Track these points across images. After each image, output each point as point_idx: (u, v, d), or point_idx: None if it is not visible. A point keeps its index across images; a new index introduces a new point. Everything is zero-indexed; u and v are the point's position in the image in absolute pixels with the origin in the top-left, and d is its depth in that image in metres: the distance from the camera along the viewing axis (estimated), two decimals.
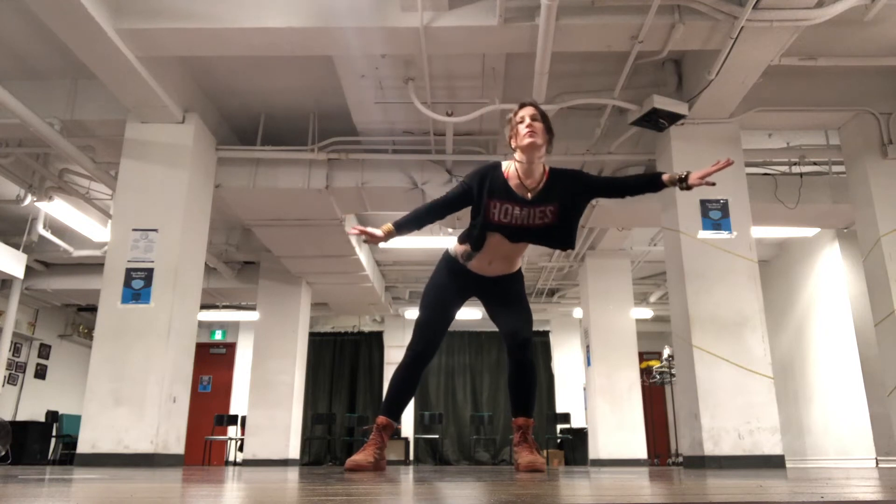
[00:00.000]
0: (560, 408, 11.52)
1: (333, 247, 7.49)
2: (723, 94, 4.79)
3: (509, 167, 2.76)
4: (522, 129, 2.70)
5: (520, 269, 3.00)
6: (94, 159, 5.61)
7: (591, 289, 8.32)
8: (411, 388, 2.88)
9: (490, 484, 1.74)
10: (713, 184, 2.82)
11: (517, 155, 2.75)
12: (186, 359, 5.07)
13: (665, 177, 2.79)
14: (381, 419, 2.86)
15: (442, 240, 7.49)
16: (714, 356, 4.60)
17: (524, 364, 2.86)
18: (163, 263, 4.90)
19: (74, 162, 5.36)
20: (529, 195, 2.71)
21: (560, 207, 2.74)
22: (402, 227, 2.72)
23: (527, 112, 2.75)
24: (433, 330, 2.86)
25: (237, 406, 11.44)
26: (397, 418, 2.87)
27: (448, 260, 2.93)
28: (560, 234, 2.78)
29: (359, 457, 2.77)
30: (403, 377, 2.85)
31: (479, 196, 2.71)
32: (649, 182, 2.82)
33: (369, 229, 2.69)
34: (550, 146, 2.78)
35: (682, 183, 2.79)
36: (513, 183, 2.72)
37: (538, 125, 2.71)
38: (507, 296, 2.91)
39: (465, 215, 2.85)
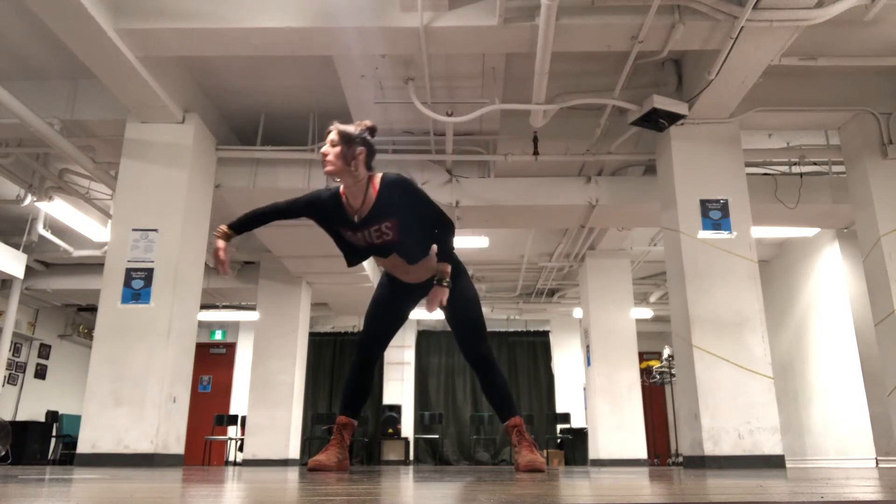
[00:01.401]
0: (560, 408, 11.53)
1: (333, 247, 7.42)
2: (723, 94, 4.79)
3: (342, 192, 2.76)
4: (323, 158, 2.68)
5: (457, 268, 2.97)
6: (94, 159, 5.61)
7: (591, 289, 8.32)
8: (364, 386, 2.94)
9: (490, 484, 1.74)
10: (428, 307, 2.83)
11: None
12: (186, 359, 5.07)
13: (443, 266, 2.81)
14: (341, 418, 2.91)
15: None
16: (714, 356, 4.60)
17: (484, 363, 2.88)
18: (163, 263, 4.90)
19: (74, 162, 5.36)
20: (356, 217, 2.71)
21: (399, 222, 2.69)
22: (241, 226, 2.77)
23: (327, 138, 2.70)
24: (375, 329, 2.95)
25: (237, 406, 11.43)
26: (356, 416, 2.93)
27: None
28: (407, 249, 2.76)
29: (321, 457, 2.82)
30: (354, 376, 2.93)
31: (323, 221, 2.79)
32: (442, 250, 2.80)
33: (219, 253, 2.73)
34: (358, 161, 2.66)
35: (439, 282, 2.80)
36: (347, 207, 2.73)
37: (333, 151, 2.64)
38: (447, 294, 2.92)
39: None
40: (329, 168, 2.65)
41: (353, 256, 2.87)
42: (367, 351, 2.94)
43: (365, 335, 2.97)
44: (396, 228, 2.69)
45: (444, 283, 2.79)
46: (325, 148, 2.67)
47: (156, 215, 5.01)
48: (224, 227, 2.74)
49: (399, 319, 3.01)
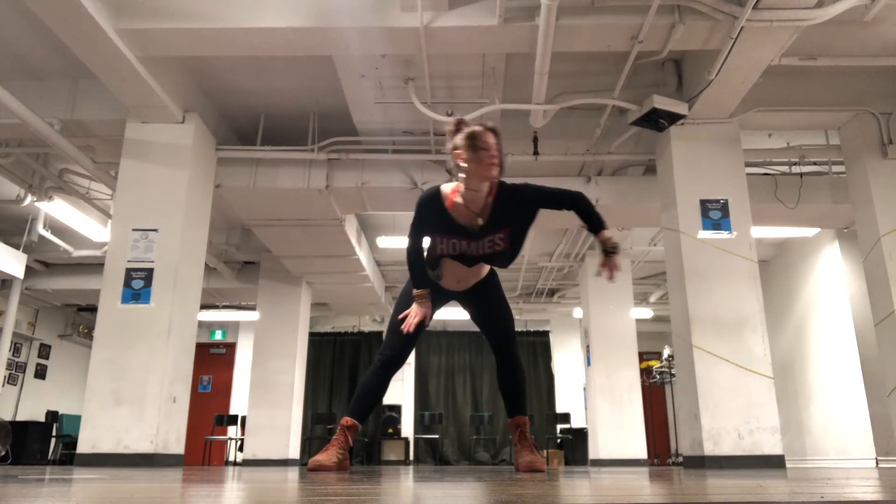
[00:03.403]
0: (560, 408, 11.52)
1: (333, 247, 7.49)
2: (723, 94, 4.79)
3: (453, 194, 2.64)
4: (486, 156, 2.52)
5: (492, 270, 2.98)
6: (94, 159, 5.61)
7: (591, 289, 8.32)
8: (380, 392, 2.87)
9: (490, 484, 1.74)
10: (607, 276, 2.66)
11: (464, 179, 2.59)
12: (186, 359, 5.07)
13: (605, 233, 2.65)
14: (347, 420, 2.85)
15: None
16: (714, 356, 4.60)
17: (512, 363, 2.90)
18: (163, 263, 4.90)
19: (74, 162, 5.36)
20: (480, 221, 2.63)
21: (511, 232, 2.67)
22: (426, 282, 2.74)
23: (492, 139, 2.55)
24: (403, 336, 2.84)
25: (237, 406, 11.43)
26: (363, 420, 2.87)
27: None
28: (508, 257, 2.74)
29: (321, 457, 2.76)
30: (372, 381, 2.84)
31: (425, 229, 2.70)
32: (594, 222, 2.67)
33: (416, 312, 2.72)
34: (503, 169, 2.63)
35: (607, 251, 2.63)
36: (458, 212, 2.63)
37: (498, 155, 2.56)
38: (485, 298, 2.93)
39: None
40: (497, 172, 2.54)
41: (436, 261, 2.76)
42: (393, 358, 2.85)
43: (391, 342, 2.86)
44: (508, 239, 2.66)
45: (616, 250, 2.65)
46: (496, 153, 2.53)
47: (156, 215, 5.01)
48: (420, 291, 2.71)
49: (424, 328, 2.92)
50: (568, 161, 5.97)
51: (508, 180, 2.67)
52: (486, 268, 2.90)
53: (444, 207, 2.64)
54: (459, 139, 2.57)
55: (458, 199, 2.63)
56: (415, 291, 2.75)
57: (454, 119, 2.66)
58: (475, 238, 2.66)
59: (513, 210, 2.64)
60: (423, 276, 2.74)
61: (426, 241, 2.75)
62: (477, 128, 2.57)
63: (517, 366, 2.93)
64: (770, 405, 4.51)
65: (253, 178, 5.95)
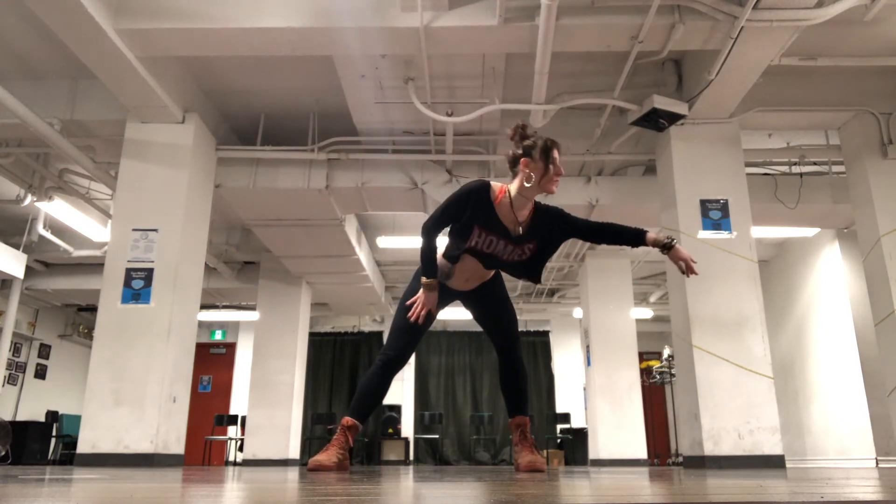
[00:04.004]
0: (560, 408, 11.52)
1: (333, 247, 7.49)
2: (723, 94, 4.79)
3: (501, 193, 2.66)
4: (555, 172, 2.63)
5: (497, 272, 2.99)
6: (94, 159, 5.61)
7: (591, 289, 8.32)
8: (381, 393, 2.86)
9: (490, 484, 1.74)
10: (686, 272, 2.65)
11: (523, 187, 2.63)
12: (186, 359, 5.07)
13: (650, 236, 2.65)
14: (347, 420, 2.84)
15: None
16: (714, 356, 4.60)
17: (515, 362, 2.91)
18: (163, 263, 4.90)
19: (74, 162, 5.36)
20: (520, 229, 2.67)
21: (538, 246, 2.72)
22: (434, 270, 2.73)
23: (558, 156, 2.67)
24: (407, 336, 2.84)
25: (237, 406, 11.43)
26: (364, 420, 2.86)
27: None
28: (530, 270, 2.77)
29: (321, 457, 2.75)
30: (374, 381, 2.84)
31: (467, 217, 2.65)
32: (633, 237, 2.68)
33: (423, 301, 2.74)
34: None
35: (666, 249, 2.64)
36: (502, 212, 2.65)
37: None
38: (490, 299, 2.93)
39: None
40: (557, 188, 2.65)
41: (457, 256, 2.75)
42: (395, 358, 2.85)
43: (399, 334, 2.86)
44: (533, 251, 2.71)
45: (672, 242, 2.65)
46: (560, 168, 2.64)
47: (156, 215, 5.01)
48: (429, 280, 2.72)
49: (427, 327, 2.93)
50: (568, 161, 5.97)
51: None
52: (486, 271, 2.90)
53: (492, 202, 2.65)
54: (535, 149, 2.62)
55: (507, 200, 2.66)
56: (424, 280, 2.74)
57: (517, 123, 2.71)
58: (514, 243, 2.68)
59: (546, 228, 2.71)
60: (435, 266, 2.74)
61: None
62: (555, 142, 2.67)
63: (520, 366, 2.94)
64: (770, 405, 4.51)
65: (253, 178, 5.95)
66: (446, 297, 2.93)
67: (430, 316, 2.85)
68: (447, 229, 2.76)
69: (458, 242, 2.71)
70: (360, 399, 2.85)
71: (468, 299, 2.97)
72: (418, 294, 2.78)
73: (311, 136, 5.81)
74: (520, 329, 3.08)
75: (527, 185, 2.62)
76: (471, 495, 1.26)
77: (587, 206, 6.25)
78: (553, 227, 2.72)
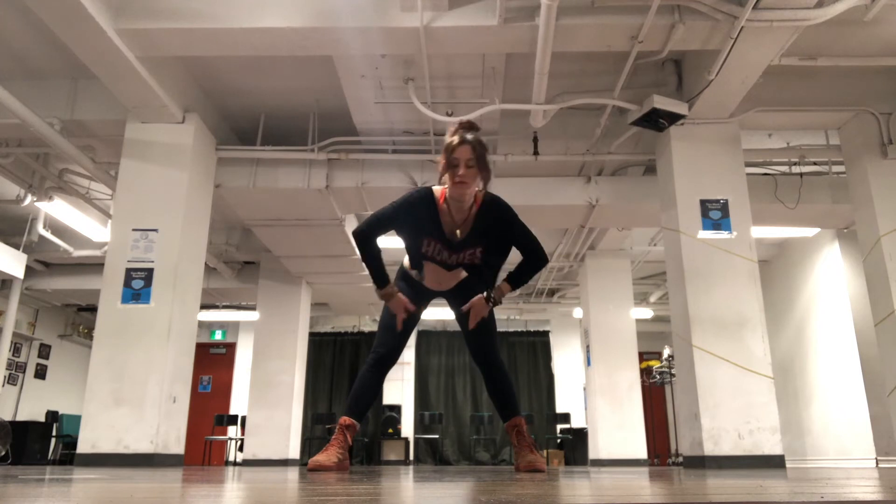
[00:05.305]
0: (560, 408, 11.53)
1: (333, 247, 7.49)
2: (723, 94, 4.79)
3: (441, 198, 2.62)
4: (453, 173, 2.48)
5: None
6: (94, 159, 5.61)
7: (591, 289, 8.32)
8: (375, 390, 2.87)
9: (490, 484, 1.74)
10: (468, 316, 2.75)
11: (445, 189, 2.58)
12: (186, 359, 5.07)
13: (505, 286, 2.73)
14: (345, 419, 2.84)
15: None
16: (714, 356, 4.60)
17: (496, 366, 2.89)
18: (163, 263, 4.90)
19: (74, 162, 5.36)
20: (458, 232, 2.62)
21: (485, 252, 2.68)
22: (385, 277, 2.70)
23: (463, 154, 2.46)
24: (395, 332, 2.85)
25: (237, 406, 11.44)
26: (360, 419, 2.87)
27: (405, 271, 2.94)
28: (479, 272, 2.75)
29: (321, 457, 2.75)
30: (368, 379, 2.85)
31: (412, 228, 2.63)
32: (518, 277, 2.74)
33: (394, 309, 2.74)
34: (485, 181, 2.60)
35: (486, 296, 2.72)
36: (444, 218, 2.62)
37: (471, 171, 2.48)
38: (467, 300, 2.88)
39: None
40: (467, 189, 2.47)
41: (419, 262, 2.74)
42: (386, 356, 2.85)
43: (384, 340, 2.87)
44: (482, 255, 2.67)
45: (494, 303, 2.70)
46: (465, 170, 2.44)
47: (156, 215, 5.01)
48: (379, 290, 2.69)
49: (416, 322, 2.93)
50: (568, 161, 5.97)
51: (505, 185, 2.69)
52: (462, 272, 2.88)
53: (436, 210, 2.62)
54: (443, 147, 2.54)
55: (444, 206, 2.62)
56: (377, 291, 2.71)
57: (457, 121, 2.64)
58: (454, 250, 2.67)
59: (490, 226, 2.63)
60: (382, 272, 2.67)
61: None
62: (453, 139, 2.51)
63: (502, 369, 2.90)
64: (770, 405, 4.51)
65: (253, 178, 5.95)
66: (426, 296, 2.94)
67: (415, 315, 2.86)
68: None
69: (413, 251, 2.72)
70: (355, 398, 2.86)
71: (448, 298, 2.97)
72: (388, 307, 2.77)
73: (310, 136, 5.81)
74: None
75: (445, 186, 2.57)
76: (471, 495, 1.26)
77: (587, 206, 6.25)
78: (498, 230, 2.65)
